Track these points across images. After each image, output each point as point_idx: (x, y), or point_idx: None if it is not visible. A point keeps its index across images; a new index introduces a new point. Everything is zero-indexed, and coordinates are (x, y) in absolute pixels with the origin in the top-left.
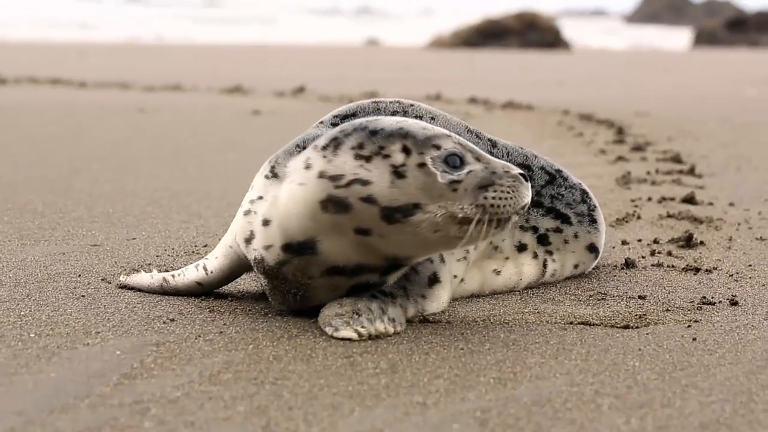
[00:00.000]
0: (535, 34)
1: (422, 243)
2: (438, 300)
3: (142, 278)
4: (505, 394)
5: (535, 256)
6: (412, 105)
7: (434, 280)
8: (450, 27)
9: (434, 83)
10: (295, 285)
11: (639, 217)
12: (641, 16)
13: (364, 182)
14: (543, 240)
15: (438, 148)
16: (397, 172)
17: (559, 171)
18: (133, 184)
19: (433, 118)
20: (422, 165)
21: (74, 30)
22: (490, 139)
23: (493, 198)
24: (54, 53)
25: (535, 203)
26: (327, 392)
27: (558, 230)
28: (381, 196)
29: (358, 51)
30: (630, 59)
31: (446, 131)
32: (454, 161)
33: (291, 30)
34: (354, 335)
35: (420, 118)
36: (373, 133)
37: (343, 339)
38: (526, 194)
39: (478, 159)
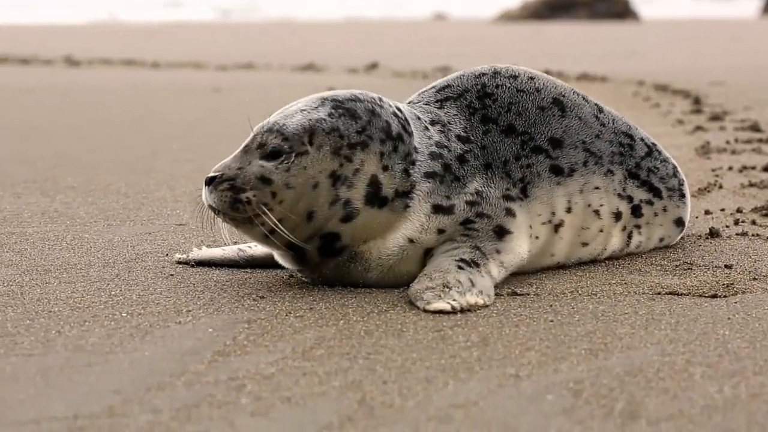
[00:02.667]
0: (604, 4)
1: None
2: (513, 252)
3: (213, 252)
4: (597, 365)
5: (624, 228)
6: (508, 67)
7: (502, 232)
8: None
9: (506, 56)
10: None
11: (721, 187)
12: None
13: None
14: (636, 211)
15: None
16: None
17: (654, 144)
18: (213, 163)
19: (531, 78)
20: None
21: (140, 11)
22: (596, 104)
23: None
24: (124, 34)
25: (632, 174)
26: (420, 366)
27: (650, 203)
28: None
29: (426, 25)
30: (699, 28)
31: (286, 126)
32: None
33: (356, 4)
34: (447, 307)
35: (515, 78)
36: None
37: (435, 312)
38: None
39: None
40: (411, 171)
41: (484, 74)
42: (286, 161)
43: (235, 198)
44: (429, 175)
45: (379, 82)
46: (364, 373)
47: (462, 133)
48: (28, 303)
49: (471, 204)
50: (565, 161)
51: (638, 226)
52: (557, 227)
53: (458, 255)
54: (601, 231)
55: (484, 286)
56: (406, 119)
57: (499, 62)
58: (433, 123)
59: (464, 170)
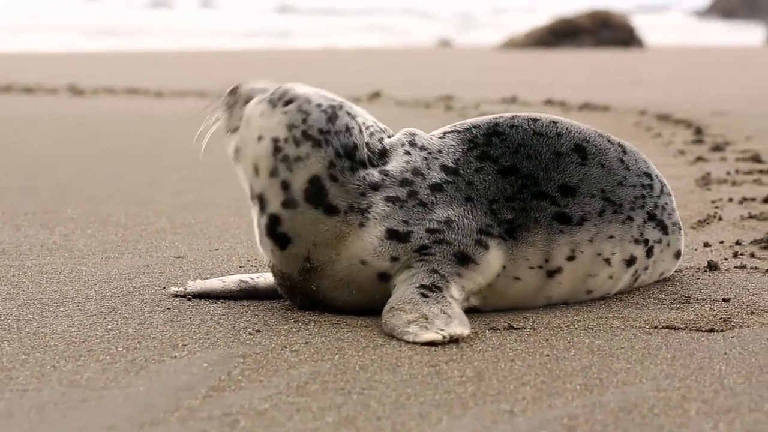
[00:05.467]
0: (609, 32)
1: None
2: (474, 280)
3: (212, 284)
4: (591, 401)
5: (635, 272)
6: (541, 115)
7: (466, 259)
8: (522, 27)
9: (510, 85)
10: None
11: (720, 219)
12: (716, 11)
13: None
14: (649, 252)
15: None
16: None
17: (662, 178)
18: (214, 194)
19: (554, 122)
20: None
21: (139, 36)
22: (620, 143)
23: None
24: (129, 62)
25: (651, 216)
26: (414, 401)
27: (659, 241)
28: None
29: (430, 53)
30: (704, 56)
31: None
32: None
33: (359, 32)
34: (438, 337)
35: (535, 121)
36: None
37: (426, 343)
38: None
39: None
40: (368, 193)
41: (502, 116)
42: (258, 104)
43: (226, 102)
44: (390, 200)
45: (381, 112)
46: (358, 409)
47: (450, 164)
48: (24, 337)
49: (431, 231)
50: (576, 210)
51: (646, 267)
52: (553, 273)
53: (417, 282)
54: (611, 278)
55: (455, 312)
56: (378, 158)
57: (504, 91)
58: (422, 149)
59: (435, 198)
